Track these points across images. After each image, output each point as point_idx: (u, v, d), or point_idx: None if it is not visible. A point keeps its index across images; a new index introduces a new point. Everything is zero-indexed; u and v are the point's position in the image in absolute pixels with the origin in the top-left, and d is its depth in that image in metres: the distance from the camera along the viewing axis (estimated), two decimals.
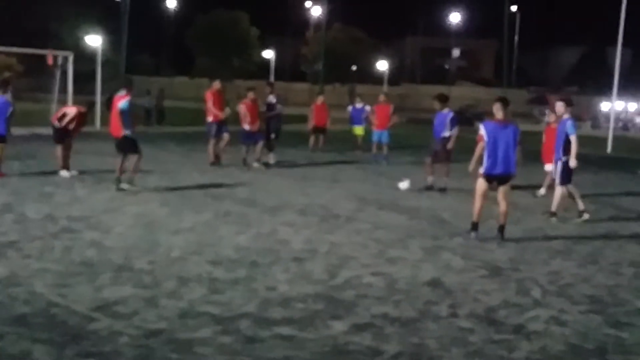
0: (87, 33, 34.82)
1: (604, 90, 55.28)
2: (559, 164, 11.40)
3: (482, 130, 9.79)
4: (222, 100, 16.81)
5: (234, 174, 15.52)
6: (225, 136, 16.64)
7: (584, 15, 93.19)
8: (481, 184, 9.71)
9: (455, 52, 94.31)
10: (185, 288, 6.88)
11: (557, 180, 11.50)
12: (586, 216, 11.47)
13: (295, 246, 8.85)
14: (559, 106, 11.76)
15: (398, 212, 11.69)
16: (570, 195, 11.60)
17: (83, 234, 8.96)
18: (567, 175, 11.36)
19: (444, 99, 14.63)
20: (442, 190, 13.98)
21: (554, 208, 11.48)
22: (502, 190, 9.70)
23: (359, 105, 22.96)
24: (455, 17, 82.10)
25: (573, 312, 6.70)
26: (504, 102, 9.84)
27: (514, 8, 62.88)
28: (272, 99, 18.23)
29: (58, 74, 25.02)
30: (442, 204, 12.65)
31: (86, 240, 8.66)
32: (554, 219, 11.34)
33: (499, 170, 9.57)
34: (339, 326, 6.01)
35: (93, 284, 6.87)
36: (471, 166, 10.06)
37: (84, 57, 32.45)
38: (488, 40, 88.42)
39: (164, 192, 12.55)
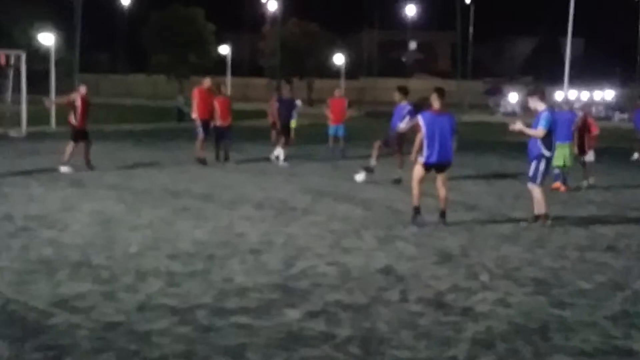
0: (40, 31, 34.43)
1: (558, 80, 56.38)
2: (541, 162, 10.28)
3: (420, 121, 10.18)
4: (210, 99, 16.86)
5: (191, 170, 15.61)
6: (200, 135, 16.71)
7: (537, 6, 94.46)
8: (418, 171, 10.16)
9: (412, 45, 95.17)
10: (142, 282, 7.01)
11: (538, 180, 10.34)
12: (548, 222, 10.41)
13: (252, 239, 9.02)
14: (532, 101, 10.54)
15: (353, 203, 11.92)
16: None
17: (40, 232, 9.01)
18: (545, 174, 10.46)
19: (404, 92, 14.78)
20: (397, 181, 14.24)
21: (543, 210, 10.38)
22: (440, 177, 10.20)
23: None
24: (410, 10, 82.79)
25: (518, 294, 6.98)
26: (440, 92, 10.24)
27: (467, 0, 63.57)
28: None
29: (11, 73, 24.73)
30: (396, 195, 12.90)
31: (43, 238, 8.72)
32: (549, 222, 10.31)
33: (437, 158, 9.99)
34: (293, 314, 6.20)
35: (51, 281, 6.96)
36: (412, 156, 10.41)
37: (37, 56, 32.11)
38: (444, 32, 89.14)
39: (121, 189, 12.59)
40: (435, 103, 10.21)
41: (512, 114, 52.11)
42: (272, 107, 21.74)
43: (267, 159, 17.99)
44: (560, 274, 7.81)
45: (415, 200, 10.18)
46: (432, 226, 10.00)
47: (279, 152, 17.55)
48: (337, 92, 20.22)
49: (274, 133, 21.87)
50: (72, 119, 15.11)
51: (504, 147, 24.29)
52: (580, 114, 15.32)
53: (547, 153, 10.24)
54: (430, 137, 9.97)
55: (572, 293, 7.10)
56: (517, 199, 12.48)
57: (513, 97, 60.44)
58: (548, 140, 10.19)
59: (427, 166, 10.12)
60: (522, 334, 5.91)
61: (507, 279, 7.50)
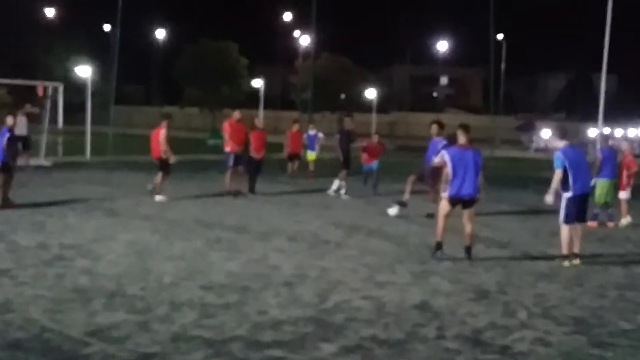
0: (77, 64, 35.05)
1: (591, 116, 55.95)
2: (562, 201, 10.16)
3: (445, 156, 10.22)
4: (241, 131, 16.97)
5: (224, 202, 15.65)
6: (240, 168, 16.82)
7: (570, 41, 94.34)
8: (444, 206, 10.18)
9: (443, 80, 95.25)
10: (177, 313, 6.99)
11: (560, 218, 10.18)
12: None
13: (286, 271, 8.98)
14: (552, 140, 10.85)
15: (387, 237, 11.84)
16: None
17: (75, 262, 9.06)
18: (569, 211, 10.12)
19: (441, 126, 14.74)
20: (430, 216, 14.10)
21: (564, 250, 10.14)
22: (467, 213, 10.13)
23: (312, 131, 24.24)
24: (442, 46, 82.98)
25: (558, 333, 6.84)
26: (465, 128, 10.36)
27: (500, 36, 63.63)
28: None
29: (48, 104, 25.16)
30: (430, 230, 12.75)
31: (78, 267, 8.76)
32: (566, 263, 10.05)
33: (463, 192, 9.98)
34: (328, 348, 6.13)
35: (86, 310, 6.97)
36: (443, 192, 10.42)
37: (74, 88, 32.67)
38: (475, 68, 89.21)
39: (155, 220, 12.65)
40: (461, 138, 10.31)
41: (545, 150, 51.76)
42: (288, 139, 21.89)
43: (302, 191, 17.98)
44: (600, 313, 7.65)
45: (439, 235, 10.16)
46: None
47: (339, 184, 17.44)
48: (375, 138, 20.25)
49: (289, 165, 22.06)
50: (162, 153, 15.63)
51: (538, 183, 23.97)
52: (625, 148, 15.12)
53: (564, 192, 10.10)
54: (455, 171, 10.00)
55: (612, 333, 6.94)
56: (553, 236, 12.26)
57: (546, 133, 60.02)
58: (565, 179, 10.05)
59: (453, 200, 10.10)
60: None
61: (545, 318, 7.36)
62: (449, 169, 10.10)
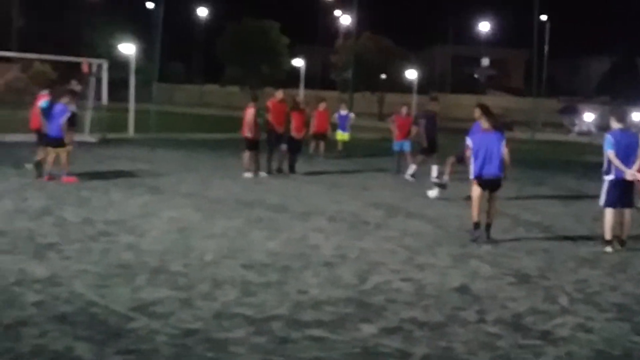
0: (120, 41, 35.37)
1: (635, 100, 54.83)
2: (604, 184, 10.14)
3: (468, 141, 10.73)
4: (284, 111, 17.03)
5: (264, 181, 15.76)
6: (283, 147, 16.91)
7: (614, 25, 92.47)
8: (476, 189, 10.41)
9: (485, 61, 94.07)
10: (219, 290, 7.09)
11: (601, 201, 10.16)
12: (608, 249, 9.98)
13: (326, 251, 9.03)
14: (610, 121, 10.37)
15: (426, 219, 11.82)
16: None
17: (119, 237, 9.22)
18: (610, 195, 10.05)
19: (484, 109, 14.52)
20: (469, 198, 14.02)
21: (618, 232, 10.08)
22: (492, 195, 10.44)
23: (343, 112, 24.07)
24: (484, 26, 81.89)
25: (600, 320, 6.78)
26: (483, 108, 11.26)
27: (544, 17, 62.53)
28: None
29: (92, 81, 25.47)
30: (469, 212, 12.70)
31: (122, 243, 8.92)
32: (608, 248, 9.91)
33: (486, 172, 10.25)
34: (368, 329, 6.17)
35: (130, 285, 7.11)
36: (471, 174, 10.59)
37: (117, 65, 32.95)
38: (518, 49, 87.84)
39: (197, 198, 12.79)
40: (484, 124, 10.78)
41: (587, 134, 51.00)
42: (315, 118, 21.45)
43: (341, 172, 18.03)
44: None
45: (474, 216, 10.37)
46: (507, 246, 9.86)
47: (414, 169, 17.09)
48: (404, 110, 19.85)
49: (313, 143, 21.77)
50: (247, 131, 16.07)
51: (581, 167, 23.72)
52: None
53: (605, 176, 10.11)
54: (477, 153, 10.32)
55: None
56: (595, 221, 12.11)
57: (588, 117, 59.05)
58: (609, 162, 10.02)
59: (479, 181, 10.32)
60: None
61: (587, 304, 7.30)
62: (470, 153, 10.48)
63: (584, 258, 9.45)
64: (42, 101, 14.33)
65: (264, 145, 16.60)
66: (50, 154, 13.92)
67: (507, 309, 6.97)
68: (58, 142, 13.89)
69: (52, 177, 13.79)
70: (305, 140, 18.23)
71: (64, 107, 14.06)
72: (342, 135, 23.34)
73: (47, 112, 14.08)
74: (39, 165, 14.15)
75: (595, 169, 16.57)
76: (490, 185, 10.37)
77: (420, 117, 17.62)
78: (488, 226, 10.29)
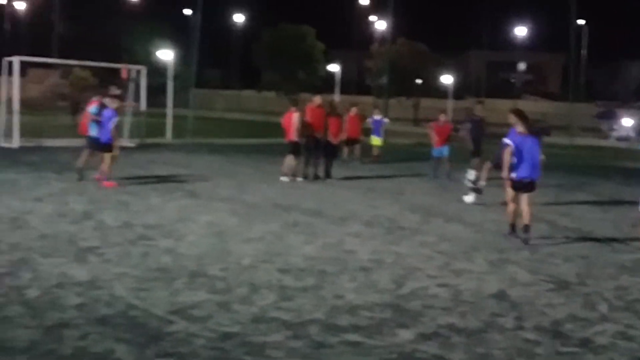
0: (159, 47, 35.77)
1: None
2: None
3: (508, 141, 10.86)
4: (321, 116, 17.10)
5: (300, 186, 15.82)
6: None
7: None
8: (510, 191, 10.81)
9: (521, 66, 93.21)
10: (256, 294, 7.14)
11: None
12: None
13: (362, 256, 9.04)
14: None
15: (463, 224, 11.77)
16: None
17: (158, 241, 9.34)
18: None
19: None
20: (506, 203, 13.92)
21: None
22: (526, 196, 10.62)
23: (377, 117, 23.98)
24: (520, 31, 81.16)
25: None
26: (518, 113, 11.21)
27: (581, 22, 61.83)
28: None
29: (131, 87, 25.81)
30: (506, 217, 12.62)
31: (161, 247, 9.03)
32: None
33: (523, 174, 10.53)
34: (405, 334, 6.17)
35: (169, 289, 7.20)
36: (504, 173, 10.79)
37: (155, 71, 33.37)
38: (555, 53, 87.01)
39: (234, 202, 12.89)
40: (519, 127, 10.82)
41: (626, 139, 50.24)
42: (347, 123, 21.10)
43: (377, 176, 18.02)
44: None
45: (510, 218, 10.71)
46: (545, 252, 9.78)
47: (473, 175, 16.68)
48: (442, 117, 19.86)
49: (346, 149, 21.69)
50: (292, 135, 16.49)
51: (619, 172, 23.40)
52: None
53: None
54: (518, 156, 10.55)
55: None
56: (635, 228, 11.98)
57: (627, 122, 58.15)
58: None
59: (515, 184, 10.59)
60: None
61: (627, 311, 7.21)
62: (507, 156, 10.65)
63: (624, 265, 9.33)
64: (92, 107, 14.71)
65: (301, 150, 16.67)
66: (106, 158, 14.23)
67: (545, 316, 6.91)
68: (107, 147, 14.19)
69: (101, 178, 14.12)
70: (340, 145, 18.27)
71: (113, 112, 14.34)
72: (376, 140, 23.35)
73: (97, 117, 14.45)
74: (80, 170, 14.46)
75: (635, 174, 16.42)
76: (524, 187, 10.61)
77: (466, 121, 17.48)
78: (526, 227, 10.36)
